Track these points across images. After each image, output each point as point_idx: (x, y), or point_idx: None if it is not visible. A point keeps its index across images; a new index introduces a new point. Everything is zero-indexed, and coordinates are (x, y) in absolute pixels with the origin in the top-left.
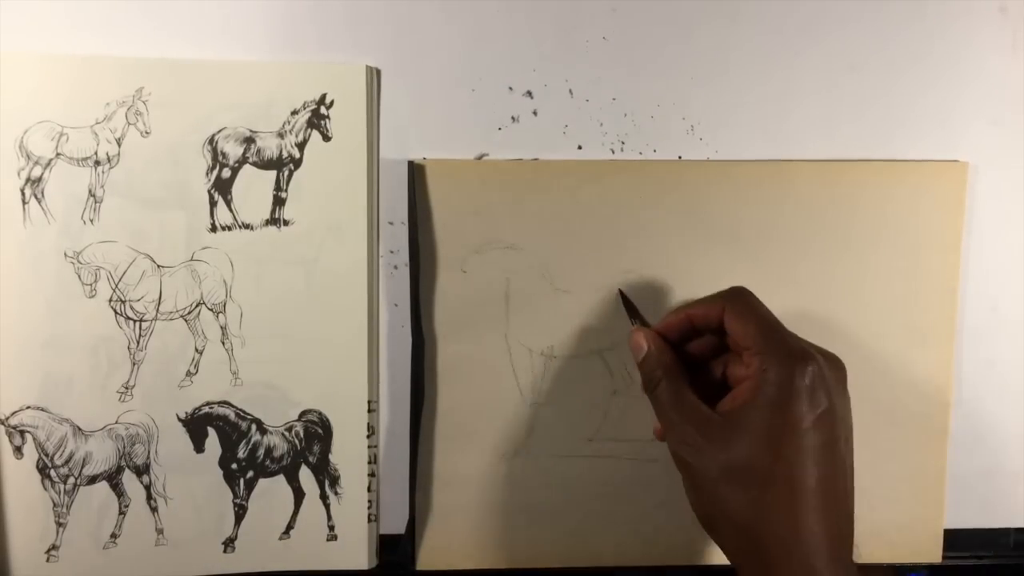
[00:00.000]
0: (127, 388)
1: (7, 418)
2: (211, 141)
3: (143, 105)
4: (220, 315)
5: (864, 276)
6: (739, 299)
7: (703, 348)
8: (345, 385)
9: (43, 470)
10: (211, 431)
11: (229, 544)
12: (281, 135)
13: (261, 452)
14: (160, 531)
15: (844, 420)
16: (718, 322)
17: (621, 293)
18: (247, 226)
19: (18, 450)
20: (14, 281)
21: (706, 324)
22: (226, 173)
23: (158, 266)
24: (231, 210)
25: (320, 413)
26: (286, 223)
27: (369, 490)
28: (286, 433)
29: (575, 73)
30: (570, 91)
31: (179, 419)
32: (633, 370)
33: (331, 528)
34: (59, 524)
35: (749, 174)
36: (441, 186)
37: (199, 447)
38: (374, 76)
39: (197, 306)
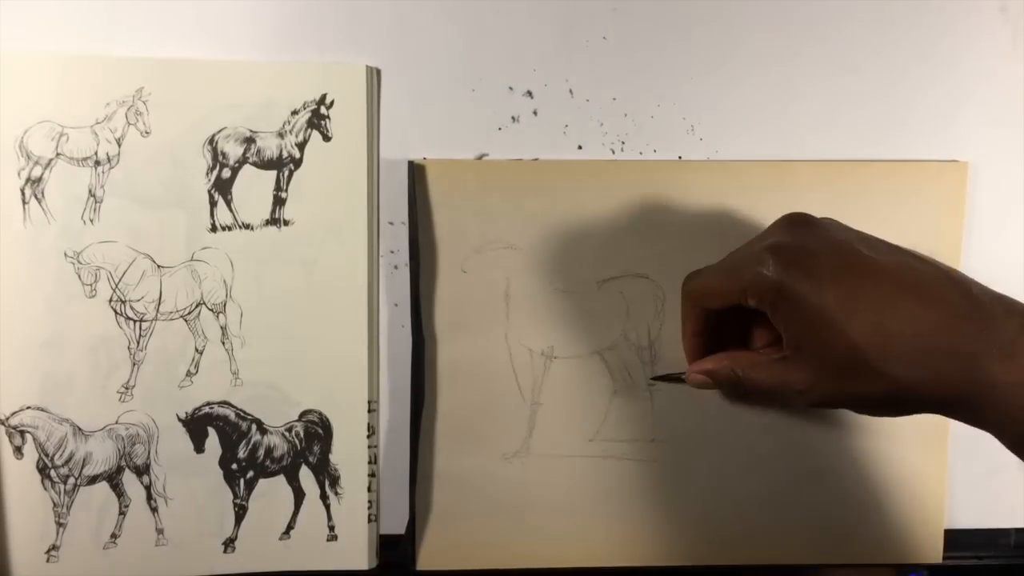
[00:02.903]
0: (127, 388)
1: (7, 418)
2: (211, 141)
3: (143, 105)
4: (220, 315)
5: None
6: (687, 300)
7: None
8: (345, 385)
9: (43, 470)
10: (211, 431)
11: (229, 544)
12: (281, 135)
13: (261, 452)
14: (160, 531)
15: (835, 234)
16: (710, 317)
17: (655, 380)
18: (247, 226)
19: (18, 450)
20: (14, 281)
21: (705, 322)
22: (226, 173)
23: (158, 266)
24: (231, 210)
25: (320, 413)
26: (286, 223)
27: (369, 490)
28: (286, 433)
29: (575, 73)
30: (570, 91)
31: (179, 419)
32: (633, 370)
33: (331, 528)
34: (59, 524)
35: (749, 174)
36: (441, 186)
37: (199, 447)
38: (374, 76)
39: (197, 306)
